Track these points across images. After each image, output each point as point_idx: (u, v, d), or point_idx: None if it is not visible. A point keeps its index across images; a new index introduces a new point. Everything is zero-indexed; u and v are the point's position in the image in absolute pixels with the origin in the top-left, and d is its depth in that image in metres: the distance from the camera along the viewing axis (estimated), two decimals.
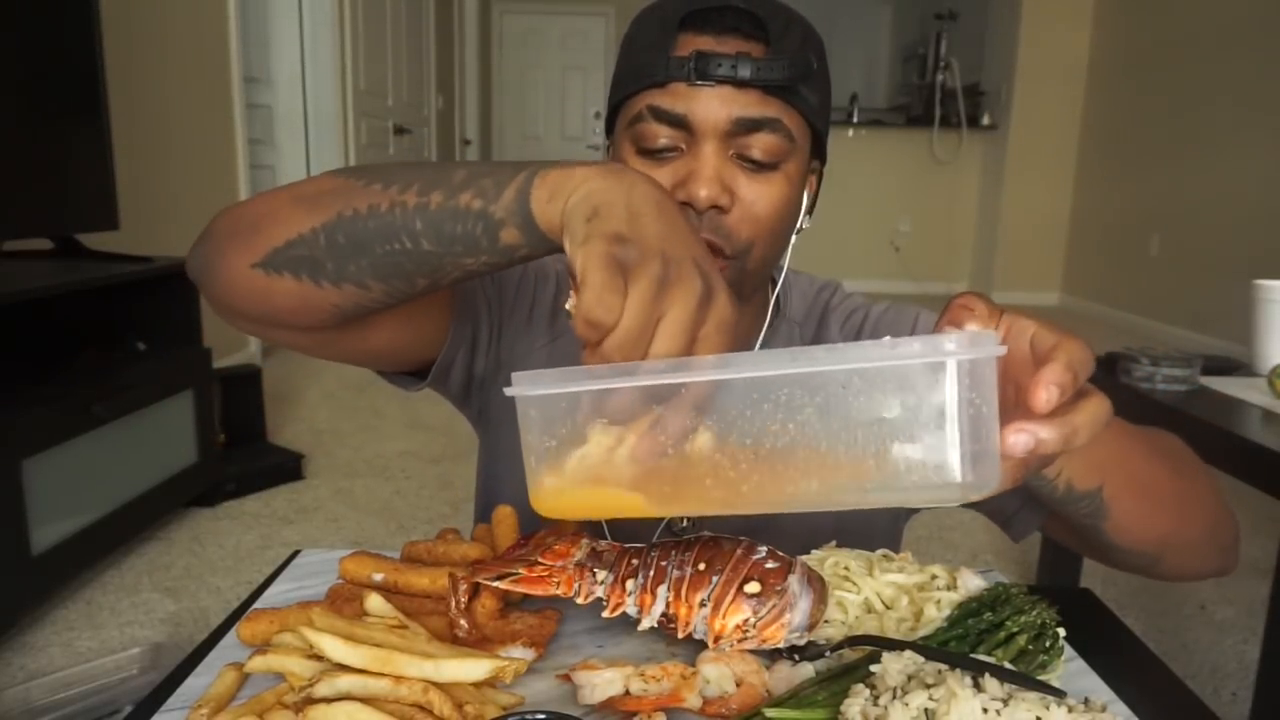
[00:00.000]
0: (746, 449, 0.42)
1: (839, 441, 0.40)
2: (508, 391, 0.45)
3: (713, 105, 0.68)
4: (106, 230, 2.29)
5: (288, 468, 2.73)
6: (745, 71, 0.67)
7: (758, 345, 0.84)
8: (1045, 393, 0.42)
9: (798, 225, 0.77)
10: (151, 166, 3.00)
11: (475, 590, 0.61)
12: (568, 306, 0.46)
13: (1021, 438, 0.41)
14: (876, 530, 0.81)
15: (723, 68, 0.67)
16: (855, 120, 6.79)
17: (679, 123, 0.69)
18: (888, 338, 0.39)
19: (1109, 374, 1.63)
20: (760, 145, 0.70)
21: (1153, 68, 5.47)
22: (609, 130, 0.78)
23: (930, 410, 0.38)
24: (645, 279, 0.43)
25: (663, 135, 0.70)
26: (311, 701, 0.49)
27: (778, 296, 0.86)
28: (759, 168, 0.71)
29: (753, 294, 0.79)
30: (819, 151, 0.77)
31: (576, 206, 0.48)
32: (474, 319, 0.80)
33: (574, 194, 0.49)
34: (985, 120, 6.65)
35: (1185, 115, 5.12)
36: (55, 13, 2.10)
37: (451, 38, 6.82)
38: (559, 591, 0.58)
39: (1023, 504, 0.75)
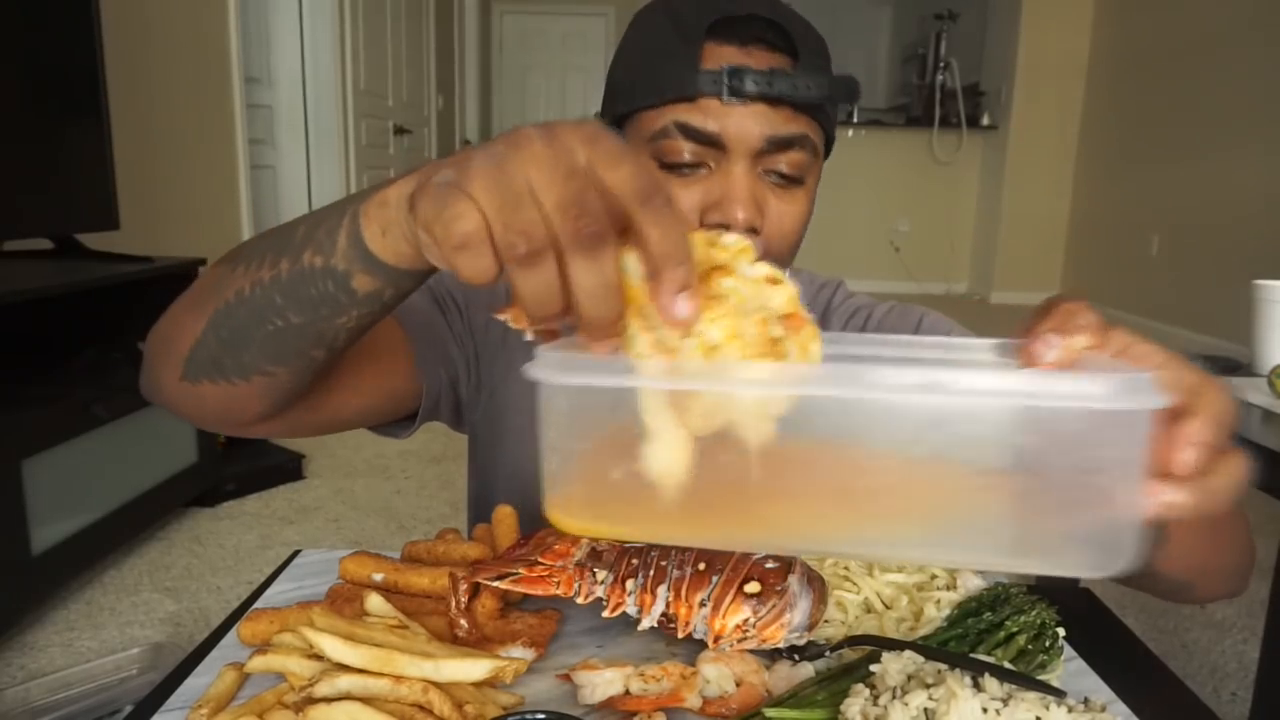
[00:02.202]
0: (832, 481, 0.35)
1: (949, 484, 0.33)
2: (529, 374, 0.36)
3: (746, 123, 0.66)
4: (106, 230, 2.29)
5: (288, 468, 2.73)
6: (781, 88, 0.65)
7: None
8: (1187, 453, 0.35)
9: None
10: (151, 166, 3.00)
11: (475, 590, 0.61)
12: (500, 318, 0.38)
13: (1156, 502, 0.35)
14: None
15: (759, 84, 0.64)
16: (855, 120, 6.79)
17: (710, 140, 0.66)
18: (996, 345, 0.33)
19: None
20: (788, 162, 0.68)
21: (1153, 68, 5.47)
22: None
23: (1084, 464, 0.32)
24: (477, 173, 0.35)
25: (689, 151, 0.67)
26: (311, 701, 0.49)
27: None
28: (786, 183, 0.69)
29: None
30: (826, 153, 0.77)
31: (409, 217, 0.42)
32: (444, 359, 0.77)
33: (399, 211, 0.43)
34: (985, 120, 6.65)
35: (1185, 115, 5.12)
36: (55, 13, 2.10)
37: (451, 38, 6.82)
38: (559, 591, 0.58)
39: None
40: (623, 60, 0.72)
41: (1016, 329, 0.43)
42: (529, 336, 0.39)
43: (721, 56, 0.66)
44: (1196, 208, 5.00)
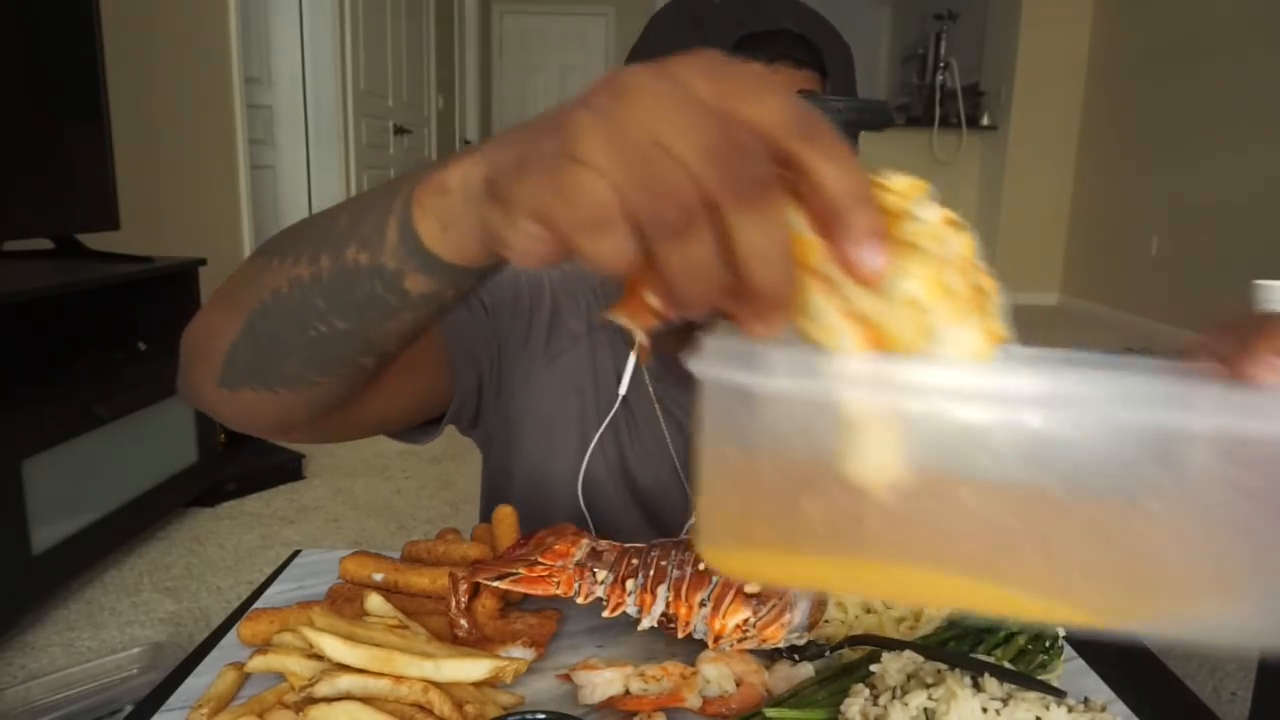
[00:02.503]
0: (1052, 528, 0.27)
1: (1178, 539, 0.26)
2: (694, 369, 0.28)
3: None
4: (106, 230, 2.29)
5: (288, 467, 2.73)
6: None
7: None
8: None
9: None
10: (151, 166, 3.00)
11: (475, 590, 0.61)
12: (613, 318, 0.31)
13: None
14: None
15: None
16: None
17: None
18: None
19: None
20: None
21: (1153, 68, 5.47)
22: None
23: None
24: (586, 133, 0.27)
25: None
26: (312, 701, 0.49)
27: None
28: None
29: None
30: None
31: (479, 208, 0.35)
32: (474, 360, 0.75)
33: (464, 200, 0.36)
34: (985, 120, 6.65)
35: (1185, 115, 5.12)
36: (55, 13, 2.10)
37: (451, 38, 6.82)
38: (559, 591, 0.58)
39: None
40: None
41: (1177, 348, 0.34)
42: (641, 338, 0.31)
43: None
44: (1196, 208, 5.00)
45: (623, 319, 0.30)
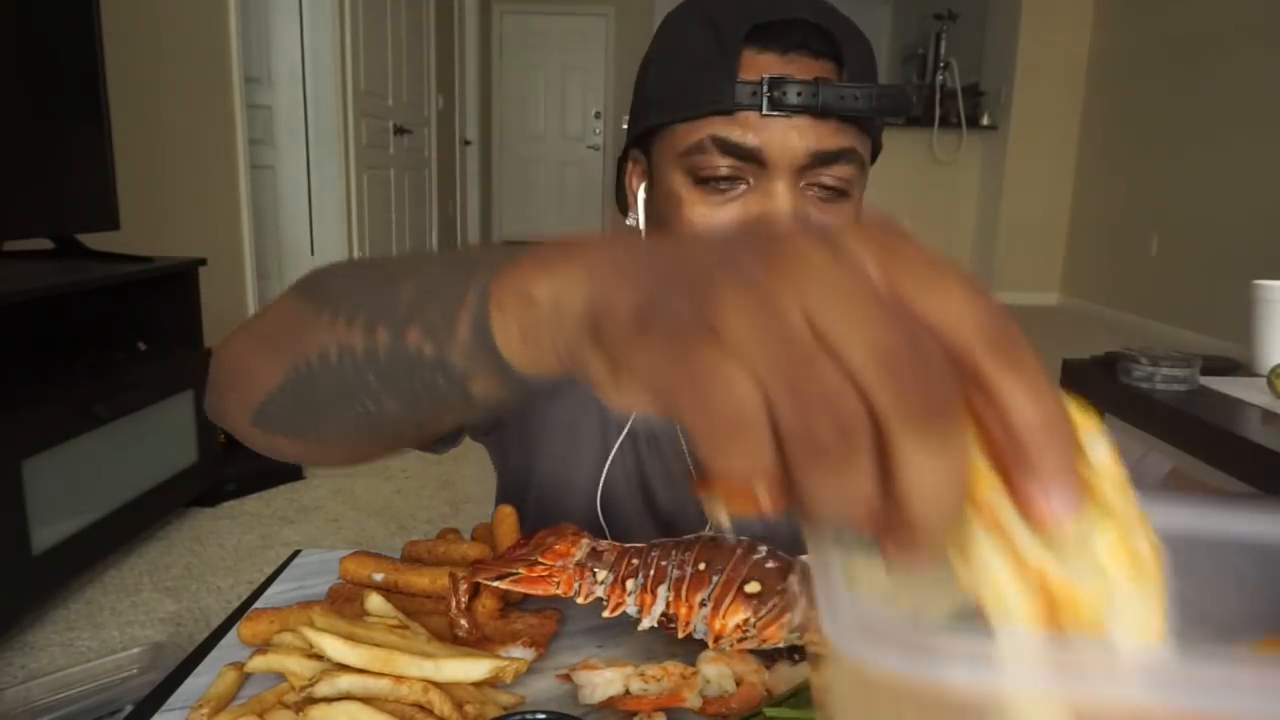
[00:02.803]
0: None
1: None
2: (845, 648, 0.20)
3: (790, 138, 0.61)
4: (106, 230, 2.29)
5: (288, 467, 2.73)
6: (826, 99, 0.60)
7: None
8: None
9: None
10: (151, 166, 3.00)
11: (475, 590, 0.61)
12: (697, 494, 0.24)
13: None
14: None
15: (802, 95, 0.59)
16: None
17: (750, 156, 0.62)
18: None
19: (1109, 374, 1.63)
20: (833, 176, 0.63)
21: (1153, 68, 5.47)
22: (637, 148, 0.70)
23: None
24: (732, 305, 0.22)
25: (726, 167, 0.63)
26: (312, 701, 0.49)
27: None
28: (830, 196, 0.65)
29: None
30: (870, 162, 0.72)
31: (571, 334, 0.29)
32: None
33: (554, 318, 0.30)
34: (985, 120, 6.65)
35: (1185, 115, 5.12)
36: (55, 13, 2.10)
37: (451, 38, 6.82)
38: (559, 591, 0.58)
39: None
40: (654, 69, 0.67)
41: None
42: (725, 522, 0.24)
43: (761, 66, 0.61)
44: (1196, 208, 5.00)
45: (716, 503, 0.24)
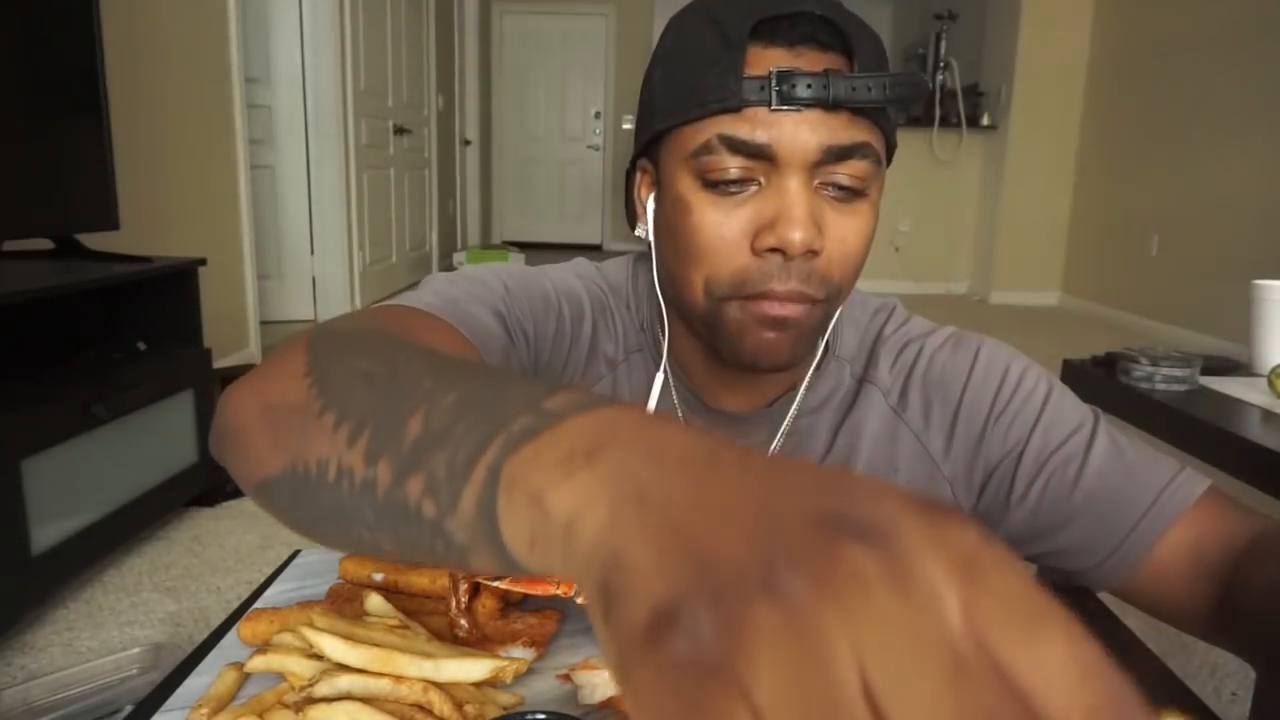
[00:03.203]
0: None
1: None
2: None
3: (800, 133, 0.59)
4: (106, 230, 2.29)
5: None
6: (837, 91, 0.58)
7: (802, 389, 0.75)
8: None
9: None
10: (151, 166, 3.00)
11: (475, 590, 0.61)
12: None
13: None
14: None
15: (812, 88, 0.57)
16: None
17: (760, 153, 0.60)
18: None
19: (1109, 374, 1.63)
20: (849, 172, 0.61)
21: (1153, 68, 5.47)
22: (645, 157, 0.68)
23: None
24: (767, 653, 0.17)
25: (736, 167, 0.60)
26: (311, 701, 0.49)
27: (829, 332, 0.75)
28: (846, 195, 0.62)
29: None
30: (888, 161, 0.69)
31: (581, 577, 0.24)
32: None
33: (564, 543, 0.25)
34: (985, 120, 6.66)
35: (1185, 115, 5.12)
36: (55, 13, 2.10)
37: (451, 38, 6.82)
38: (559, 591, 0.58)
39: (1092, 568, 0.66)
40: (659, 74, 0.65)
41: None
42: None
43: (768, 61, 0.59)
44: (1196, 208, 5.00)
45: None
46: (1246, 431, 1.33)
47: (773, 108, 0.58)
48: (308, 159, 4.73)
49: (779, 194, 0.60)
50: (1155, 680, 0.61)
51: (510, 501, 0.28)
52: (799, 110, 0.58)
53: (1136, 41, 5.67)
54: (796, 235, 0.59)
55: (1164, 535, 0.64)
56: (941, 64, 6.68)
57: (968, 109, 6.64)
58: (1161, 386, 1.53)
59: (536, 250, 7.67)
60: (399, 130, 5.59)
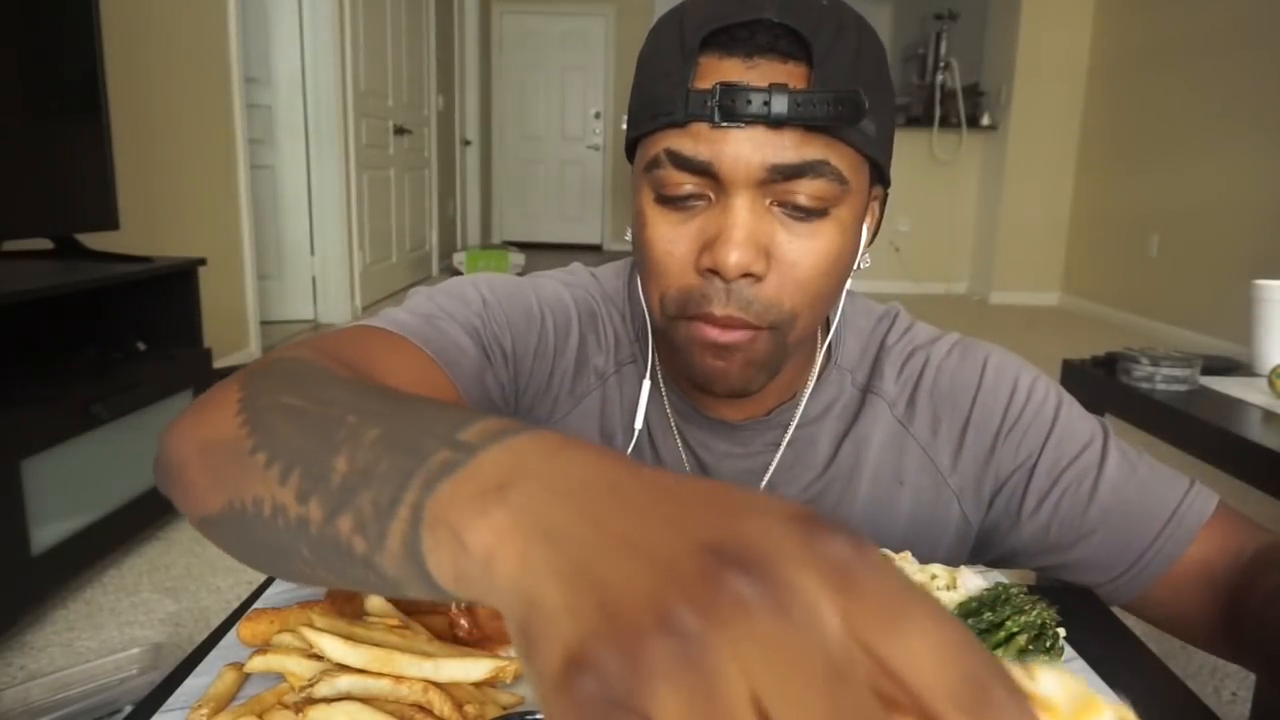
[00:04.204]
0: None
1: None
2: None
3: (743, 150, 0.56)
4: (106, 230, 2.29)
5: None
6: (781, 108, 0.54)
7: (804, 401, 0.73)
8: None
9: (854, 267, 0.65)
10: (151, 166, 3.00)
11: None
12: None
13: None
14: (940, 547, 0.75)
15: (753, 104, 0.55)
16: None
17: (703, 170, 0.57)
18: None
19: (1109, 374, 1.63)
20: (805, 191, 0.57)
21: (1153, 68, 5.47)
22: (630, 157, 0.67)
23: None
24: (665, 682, 0.19)
25: (686, 183, 0.59)
26: (311, 701, 0.49)
27: (830, 342, 0.74)
28: (805, 215, 0.59)
29: (795, 353, 0.67)
30: (880, 177, 0.65)
31: (505, 607, 0.25)
32: (492, 408, 0.69)
33: (485, 580, 0.26)
34: (985, 120, 6.65)
35: (1185, 115, 5.12)
36: (55, 13, 2.10)
37: (451, 38, 6.82)
38: None
39: (1107, 582, 0.67)
40: (636, 78, 0.64)
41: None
42: None
43: (721, 72, 0.57)
44: (1196, 208, 5.00)
45: None
46: (1246, 431, 1.33)
47: (715, 123, 0.56)
48: (308, 159, 4.73)
49: (723, 213, 0.58)
50: (1155, 680, 0.61)
51: (434, 539, 0.28)
52: (742, 127, 0.56)
53: (1137, 42, 5.67)
54: (731, 257, 0.57)
55: (1180, 554, 0.65)
56: (941, 64, 6.68)
57: (968, 109, 6.64)
58: (1162, 386, 1.53)
59: (536, 250, 7.67)
60: (399, 130, 5.59)
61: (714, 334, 0.61)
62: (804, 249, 0.59)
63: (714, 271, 0.58)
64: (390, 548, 0.31)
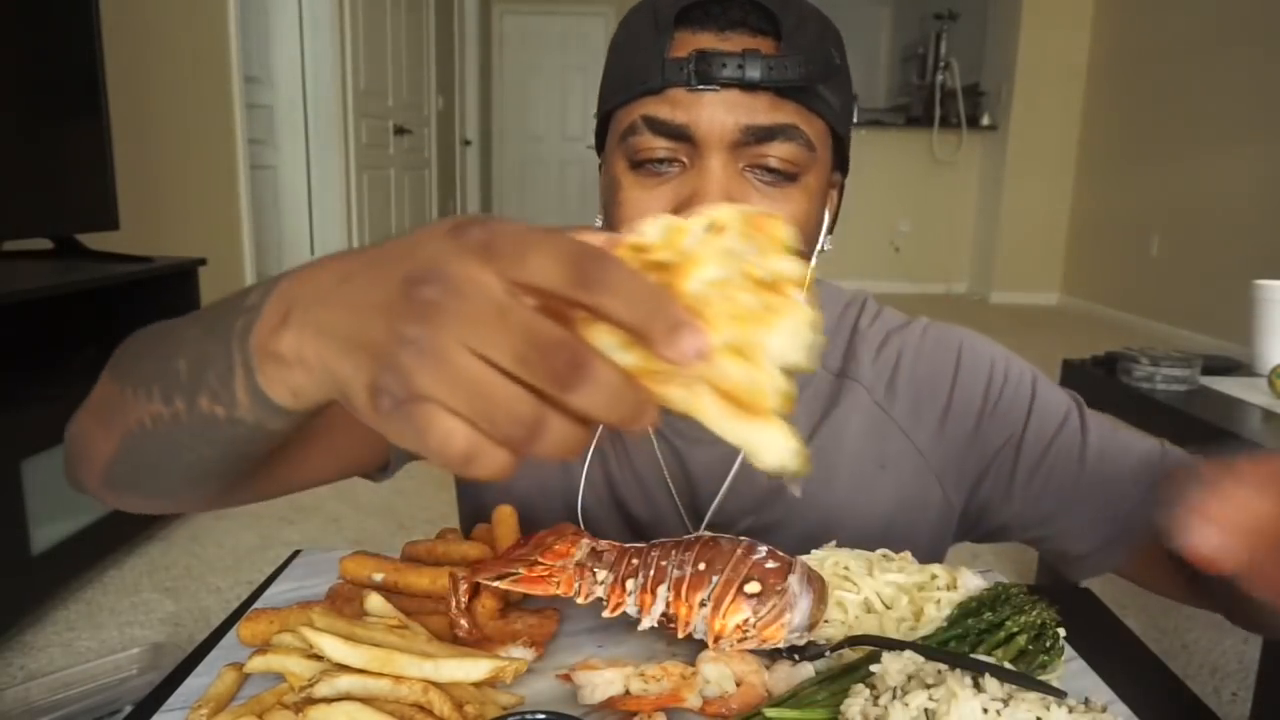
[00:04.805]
0: None
1: None
2: None
3: (718, 113, 0.59)
4: (106, 230, 2.29)
5: None
6: (754, 71, 0.58)
7: None
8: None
9: (818, 247, 0.68)
10: (151, 166, 3.00)
11: (475, 590, 0.61)
12: None
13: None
14: (922, 530, 0.76)
15: (728, 68, 0.58)
16: (855, 120, 6.77)
17: (680, 134, 0.60)
18: None
19: (1109, 374, 1.63)
20: (777, 154, 0.61)
21: (1153, 68, 5.47)
22: (599, 146, 0.69)
23: None
24: (418, 373, 0.29)
25: (661, 148, 0.61)
26: (311, 702, 0.49)
27: None
28: (776, 180, 0.62)
29: None
30: (841, 162, 0.69)
31: (324, 387, 0.36)
32: None
33: (305, 372, 0.37)
34: (985, 120, 6.65)
35: (1185, 115, 5.12)
36: (55, 13, 2.10)
37: (451, 38, 6.82)
38: (559, 591, 0.58)
39: (1099, 547, 0.70)
40: (608, 60, 0.67)
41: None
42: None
43: (694, 44, 0.60)
44: (1196, 208, 5.00)
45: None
46: (1246, 431, 1.33)
47: (692, 87, 0.59)
48: (308, 159, 4.73)
49: (699, 175, 0.61)
50: (1155, 680, 0.61)
51: (265, 376, 0.39)
52: (717, 90, 0.59)
53: (1136, 42, 5.67)
54: None
55: None
56: (941, 64, 6.68)
57: (968, 109, 6.64)
58: (1162, 386, 1.53)
59: None
60: (399, 130, 5.59)
61: None
62: (776, 209, 0.61)
63: None
64: (241, 400, 0.41)
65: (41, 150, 2.11)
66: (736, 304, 0.32)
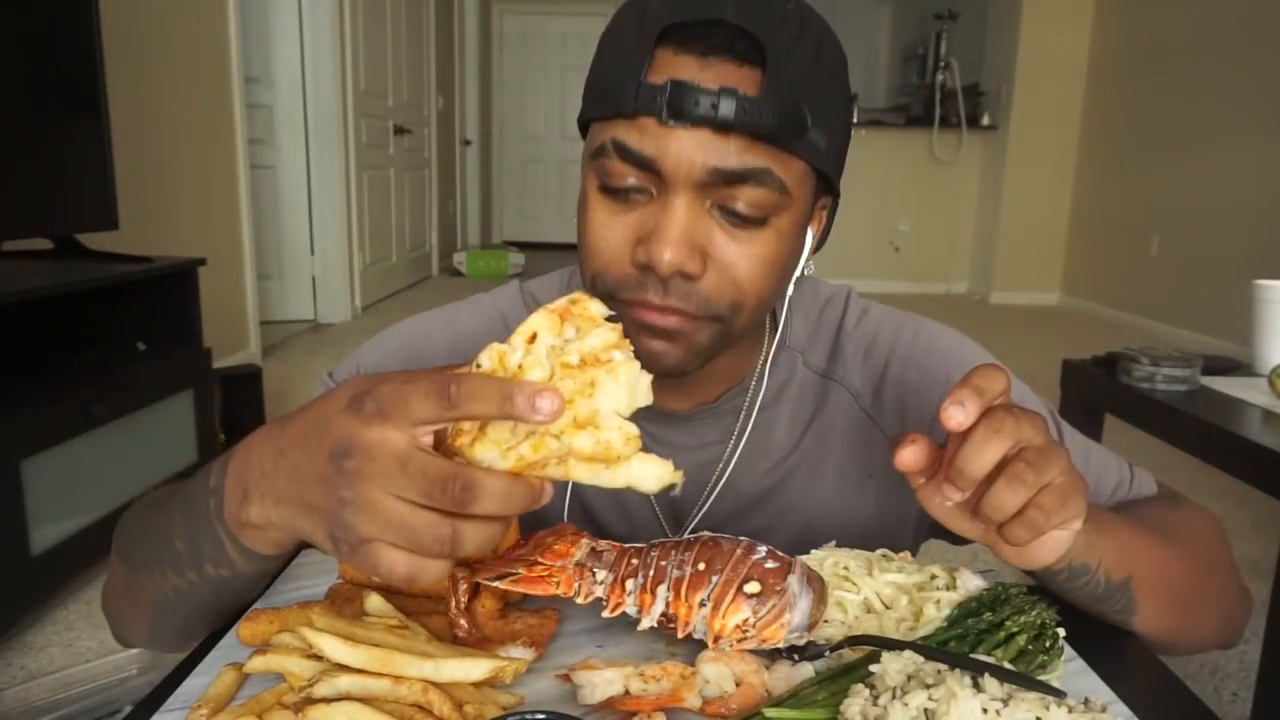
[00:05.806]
0: None
1: None
2: None
3: (686, 150, 0.56)
4: (106, 230, 2.29)
5: None
6: (728, 112, 0.54)
7: (752, 385, 0.74)
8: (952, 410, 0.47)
9: (796, 274, 0.66)
10: (151, 166, 3.00)
11: (475, 590, 0.61)
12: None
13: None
14: (905, 537, 0.76)
15: (700, 106, 0.54)
16: (855, 120, 6.76)
17: (648, 165, 0.57)
18: None
19: (1109, 374, 1.63)
20: (744, 199, 0.58)
21: (1153, 68, 5.47)
22: (583, 133, 0.68)
23: None
24: (361, 522, 0.43)
25: (630, 175, 0.59)
26: (311, 702, 0.49)
27: (780, 325, 0.75)
28: (742, 223, 0.59)
29: (738, 342, 0.68)
30: (829, 187, 0.65)
31: (291, 538, 0.50)
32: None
33: (277, 531, 0.49)
34: (985, 120, 6.65)
35: (1185, 115, 5.12)
36: (55, 13, 2.10)
37: (451, 38, 6.82)
38: (559, 591, 0.58)
39: None
40: (596, 54, 0.64)
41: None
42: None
43: (675, 68, 0.56)
44: (1196, 208, 5.00)
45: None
46: (1246, 431, 1.33)
47: (662, 120, 0.56)
48: (308, 159, 4.74)
49: (662, 210, 0.58)
50: (1155, 680, 0.61)
51: (246, 538, 0.51)
52: (689, 127, 0.56)
53: (1136, 41, 5.67)
54: (666, 255, 0.57)
55: None
56: (941, 64, 6.68)
57: (968, 109, 6.64)
58: (1162, 386, 1.53)
59: (536, 250, 7.67)
60: (399, 130, 5.59)
61: (654, 317, 0.61)
62: (741, 252, 0.60)
63: (649, 268, 0.59)
64: (236, 560, 0.54)
65: (41, 150, 2.11)
66: (563, 391, 0.42)
